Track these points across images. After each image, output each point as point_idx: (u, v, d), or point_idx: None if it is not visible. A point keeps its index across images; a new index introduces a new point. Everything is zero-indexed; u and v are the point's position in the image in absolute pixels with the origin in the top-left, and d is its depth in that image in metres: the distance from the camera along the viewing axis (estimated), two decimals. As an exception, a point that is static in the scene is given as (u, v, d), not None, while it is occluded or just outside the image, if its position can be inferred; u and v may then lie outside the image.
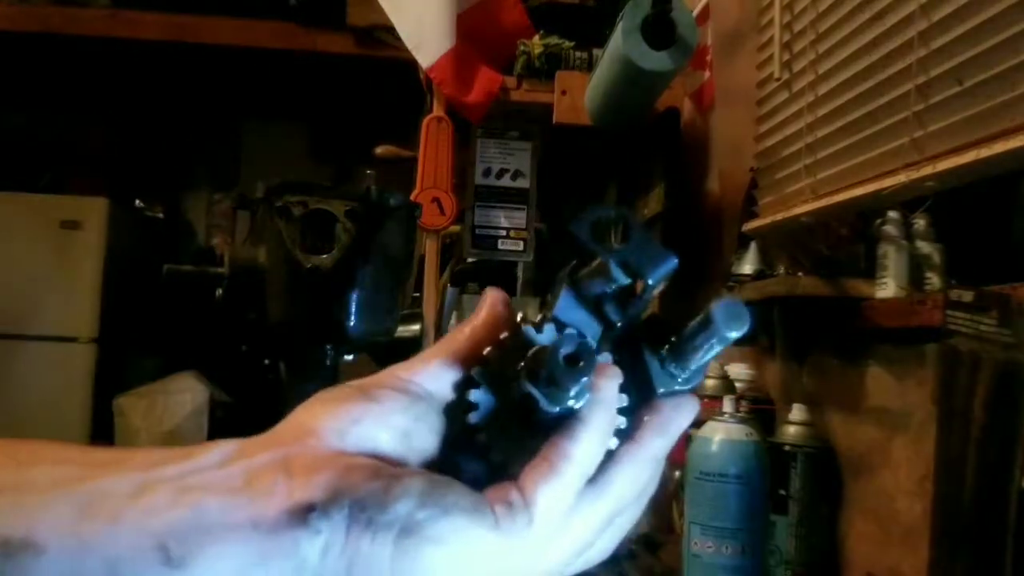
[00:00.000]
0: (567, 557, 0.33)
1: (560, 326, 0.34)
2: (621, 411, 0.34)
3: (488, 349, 0.34)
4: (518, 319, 0.36)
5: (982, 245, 0.98)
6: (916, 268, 0.99)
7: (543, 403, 0.32)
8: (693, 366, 0.35)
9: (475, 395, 0.33)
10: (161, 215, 3.40)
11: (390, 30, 1.91)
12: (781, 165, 1.29)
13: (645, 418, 0.35)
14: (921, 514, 0.92)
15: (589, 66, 1.71)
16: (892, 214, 1.01)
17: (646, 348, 0.35)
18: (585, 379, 0.31)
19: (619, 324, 0.35)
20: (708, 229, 1.68)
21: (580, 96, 1.66)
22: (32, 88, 3.21)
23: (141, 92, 3.25)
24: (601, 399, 0.33)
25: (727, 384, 1.26)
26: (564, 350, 0.32)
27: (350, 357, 1.05)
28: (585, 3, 1.88)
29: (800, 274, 1.16)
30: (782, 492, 1.09)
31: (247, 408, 2.68)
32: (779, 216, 1.25)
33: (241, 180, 3.41)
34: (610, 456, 0.33)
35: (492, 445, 0.33)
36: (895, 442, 1.00)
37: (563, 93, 1.70)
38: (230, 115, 3.46)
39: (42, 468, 0.29)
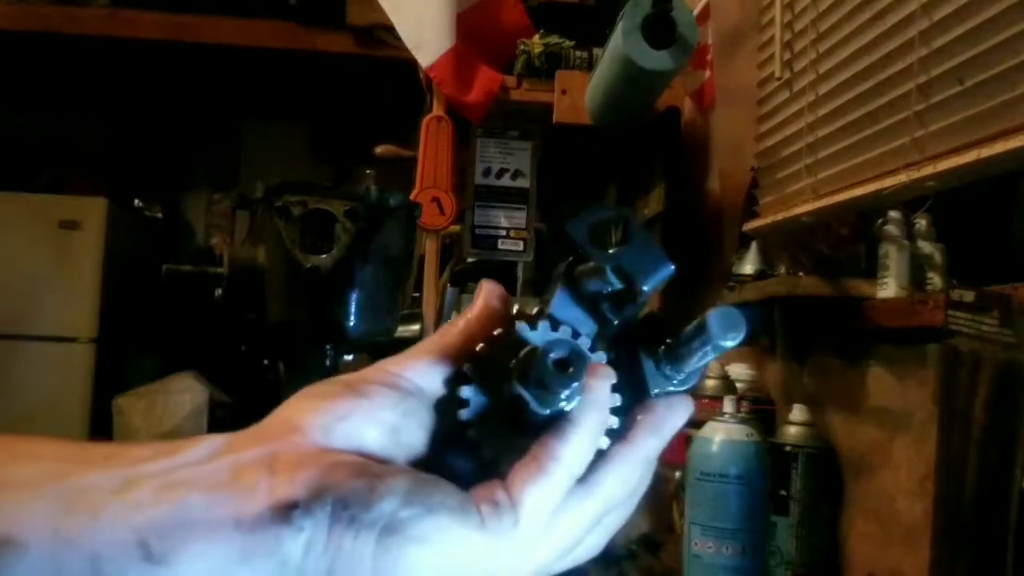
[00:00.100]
0: (554, 556, 0.32)
1: (555, 323, 0.34)
2: (614, 411, 0.34)
3: (481, 345, 0.34)
4: (513, 314, 0.35)
5: (983, 245, 0.97)
6: (917, 268, 0.99)
7: (533, 405, 0.31)
8: (688, 369, 0.35)
9: (466, 392, 0.33)
10: (160, 215, 3.40)
11: (390, 29, 1.90)
12: (782, 165, 1.29)
13: (638, 418, 0.34)
14: (922, 514, 0.92)
15: (589, 65, 1.70)
16: (893, 214, 1.01)
17: (642, 349, 0.35)
18: (576, 384, 0.31)
19: (615, 323, 0.35)
20: (709, 229, 1.67)
21: (580, 96, 1.65)
22: (31, 88, 3.21)
23: (141, 92, 3.25)
24: (592, 400, 0.32)
25: (728, 384, 1.26)
26: (554, 355, 0.31)
27: (350, 357, 1.05)
28: (585, 2, 1.88)
29: (801, 274, 1.16)
30: (783, 492, 1.09)
31: (247, 408, 2.68)
32: (780, 216, 1.25)
33: (241, 180, 3.40)
34: (601, 456, 0.33)
35: (482, 442, 0.32)
36: (896, 442, 1.00)
37: (563, 93, 1.70)
38: (230, 115, 3.46)
39: (24, 464, 0.29)
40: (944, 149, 0.88)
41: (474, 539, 0.29)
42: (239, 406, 2.72)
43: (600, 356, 0.34)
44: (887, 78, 1.00)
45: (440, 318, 1.77)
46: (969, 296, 0.80)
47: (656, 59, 1.27)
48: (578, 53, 1.74)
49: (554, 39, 1.75)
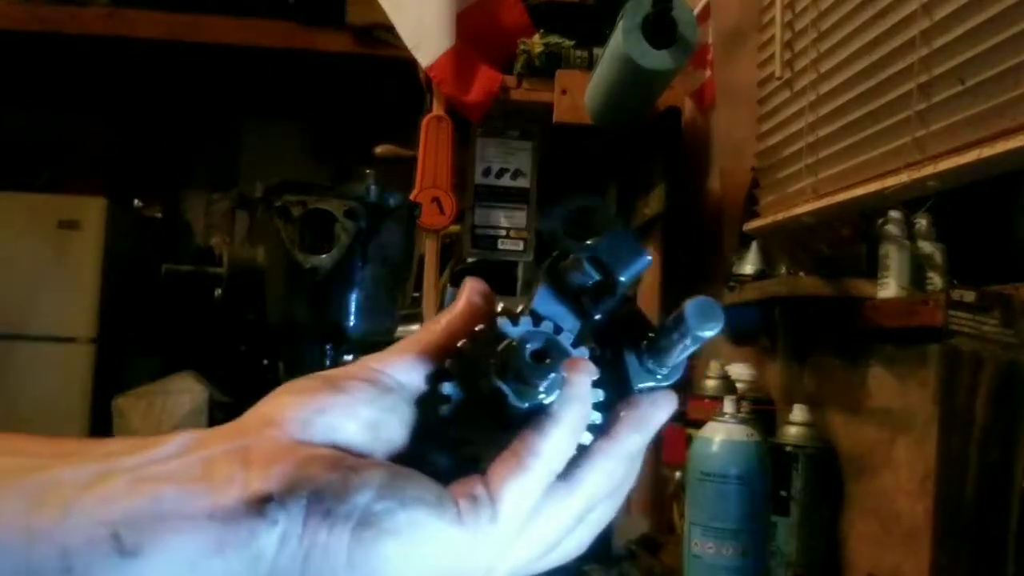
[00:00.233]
0: (535, 553, 0.32)
1: (537, 319, 0.34)
2: (597, 406, 0.34)
3: (463, 342, 0.34)
4: (497, 311, 0.35)
5: (984, 245, 0.97)
6: (918, 268, 0.98)
7: (512, 399, 0.31)
8: (671, 363, 0.35)
9: (447, 388, 0.33)
10: (160, 215, 3.39)
11: (390, 29, 1.90)
12: (782, 164, 1.29)
13: (622, 414, 0.34)
14: (923, 515, 0.92)
15: (589, 65, 1.70)
16: (894, 214, 1.01)
17: (624, 344, 0.35)
18: (553, 375, 0.31)
19: (597, 318, 0.35)
20: (709, 229, 1.67)
21: (580, 95, 1.65)
22: (31, 88, 3.21)
23: (140, 92, 3.25)
24: (573, 395, 0.32)
25: (728, 384, 1.26)
26: (531, 346, 0.31)
27: (349, 357, 1.05)
28: (585, 2, 1.87)
29: (801, 274, 1.16)
30: (783, 493, 1.09)
31: (247, 408, 2.67)
32: (780, 216, 1.24)
33: (240, 180, 3.40)
34: (584, 451, 0.33)
35: (463, 439, 0.32)
36: (897, 443, 1.00)
37: (563, 92, 1.69)
38: (229, 115, 3.46)
39: None
40: (945, 149, 0.88)
41: (450, 533, 0.29)
42: (239, 406, 2.70)
43: (582, 351, 0.34)
44: (888, 77, 1.00)
45: (440, 318, 1.76)
46: (970, 296, 0.80)
47: (656, 59, 1.27)
48: (578, 53, 1.74)
49: (554, 39, 1.75)
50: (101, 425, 2.67)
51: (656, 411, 0.35)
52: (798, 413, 1.12)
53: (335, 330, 1.00)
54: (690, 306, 0.33)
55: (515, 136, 1.84)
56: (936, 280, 0.97)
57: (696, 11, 1.39)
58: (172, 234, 3.44)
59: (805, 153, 1.19)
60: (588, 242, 0.34)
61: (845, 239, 1.13)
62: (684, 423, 1.33)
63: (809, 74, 1.20)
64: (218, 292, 1.05)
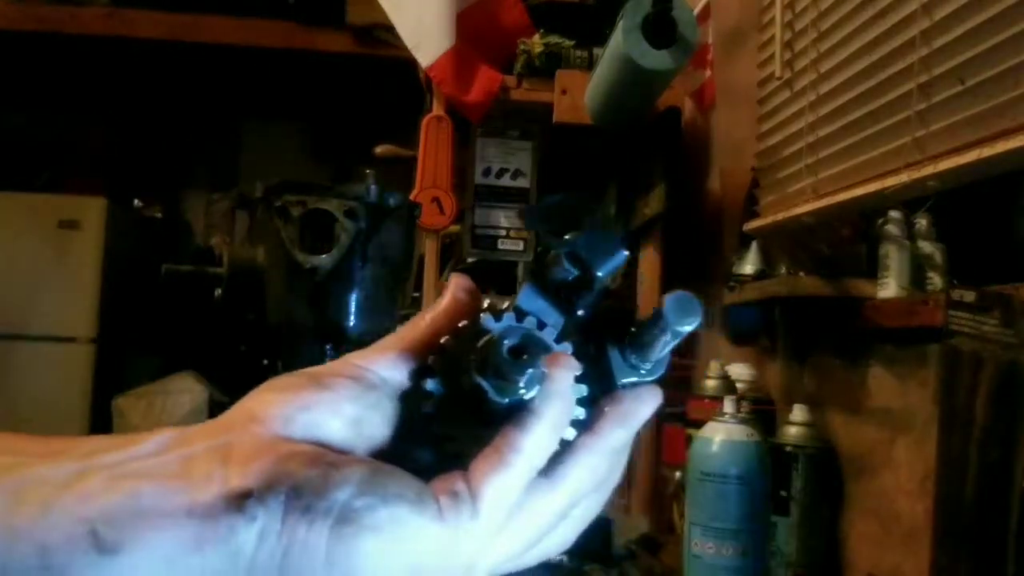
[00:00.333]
0: (516, 549, 0.32)
1: (520, 315, 0.34)
2: (580, 402, 0.33)
3: (446, 338, 0.34)
4: (484, 307, 0.35)
5: (984, 245, 0.97)
6: (918, 268, 0.98)
7: (492, 394, 0.31)
8: (653, 358, 0.35)
9: (430, 384, 0.33)
10: (160, 215, 3.39)
11: (390, 29, 1.90)
12: (782, 164, 1.29)
13: (606, 409, 0.34)
14: (923, 515, 0.92)
15: (589, 65, 1.70)
16: (894, 214, 1.01)
17: (608, 340, 0.35)
18: (531, 370, 0.31)
19: (580, 313, 0.35)
20: (709, 229, 1.67)
21: (580, 95, 1.65)
22: (31, 87, 3.20)
23: (140, 91, 3.25)
24: (555, 390, 0.32)
25: (728, 384, 1.26)
26: (508, 342, 0.31)
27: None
28: (585, 2, 1.87)
29: (801, 274, 1.16)
30: (783, 493, 1.09)
31: (246, 408, 2.67)
32: (780, 216, 1.24)
33: (240, 180, 3.40)
34: (567, 447, 0.33)
35: (447, 435, 0.32)
36: (897, 443, 1.00)
37: (563, 92, 1.69)
38: (229, 115, 3.46)
39: None
40: (945, 149, 0.88)
41: (431, 529, 0.29)
42: (239, 406, 2.70)
43: (565, 347, 0.34)
44: (888, 77, 1.00)
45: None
46: (970, 296, 0.80)
47: (656, 59, 1.27)
48: (578, 53, 1.74)
49: (554, 39, 1.75)
50: (101, 425, 2.67)
51: (640, 406, 0.35)
52: (798, 413, 1.12)
53: (335, 330, 1.00)
54: (668, 301, 0.33)
55: (515, 136, 1.84)
56: (936, 280, 0.97)
57: (696, 11, 1.39)
58: (172, 234, 3.44)
59: (805, 153, 1.19)
60: (567, 237, 0.34)
61: (845, 239, 1.13)
62: (684, 423, 1.33)
63: (809, 74, 1.20)
64: (218, 292, 1.05)
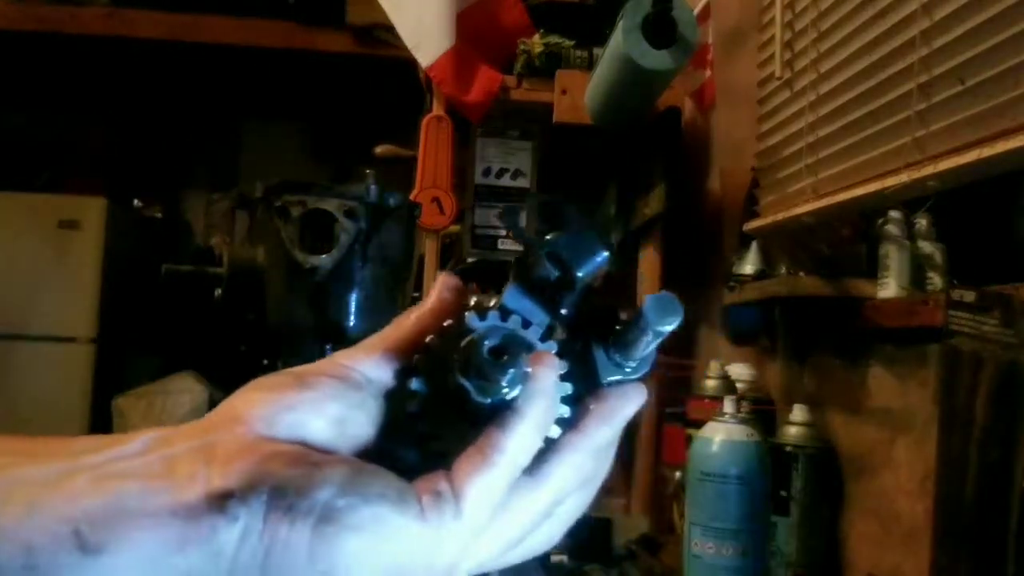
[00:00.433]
0: (501, 548, 0.32)
1: (505, 314, 0.34)
2: (565, 400, 0.34)
3: (430, 337, 0.34)
4: (471, 305, 0.35)
5: (984, 245, 0.97)
6: (918, 268, 0.98)
7: (474, 395, 0.31)
8: (637, 356, 0.35)
9: (415, 384, 0.33)
10: (160, 215, 3.39)
11: (390, 29, 1.90)
12: (782, 164, 1.29)
13: (590, 407, 0.34)
14: (923, 515, 0.92)
15: (589, 65, 1.70)
16: (894, 214, 1.01)
17: (592, 338, 0.35)
18: (512, 370, 0.31)
19: (564, 313, 0.35)
20: (709, 229, 1.67)
21: (580, 95, 1.65)
22: (31, 87, 3.20)
23: (140, 91, 3.25)
24: (538, 389, 0.32)
25: (728, 384, 1.26)
26: (489, 342, 0.31)
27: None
28: (585, 2, 1.87)
29: (801, 274, 1.16)
30: (783, 493, 1.09)
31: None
32: (780, 216, 1.24)
33: (240, 180, 3.40)
34: (552, 445, 0.33)
35: (431, 435, 0.32)
36: (897, 443, 1.00)
37: (563, 92, 1.69)
38: (229, 115, 3.46)
39: None
40: (945, 149, 0.88)
41: (413, 529, 0.29)
42: (239, 406, 2.70)
43: (550, 345, 0.34)
44: (888, 77, 1.00)
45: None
46: (970, 296, 0.80)
47: (656, 59, 1.27)
48: (578, 53, 1.74)
49: (554, 39, 1.75)
50: (101, 425, 2.67)
51: (624, 404, 0.35)
52: (798, 413, 1.12)
53: (335, 330, 1.00)
54: (648, 302, 0.33)
55: (515, 136, 1.84)
56: (936, 280, 0.97)
57: (696, 11, 1.39)
58: (172, 234, 3.43)
59: (805, 153, 1.19)
60: (548, 238, 0.34)
61: (845, 239, 1.13)
62: (684, 423, 1.33)
63: (809, 74, 1.20)
64: (218, 292, 1.05)
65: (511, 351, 0.31)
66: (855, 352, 1.10)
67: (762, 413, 1.21)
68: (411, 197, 1.69)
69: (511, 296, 0.35)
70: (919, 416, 0.95)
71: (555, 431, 0.33)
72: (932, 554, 0.84)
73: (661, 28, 1.26)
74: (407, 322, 0.35)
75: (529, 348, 0.33)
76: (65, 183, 2.98)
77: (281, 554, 0.28)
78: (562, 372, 0.33)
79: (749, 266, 1.31)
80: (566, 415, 0.34)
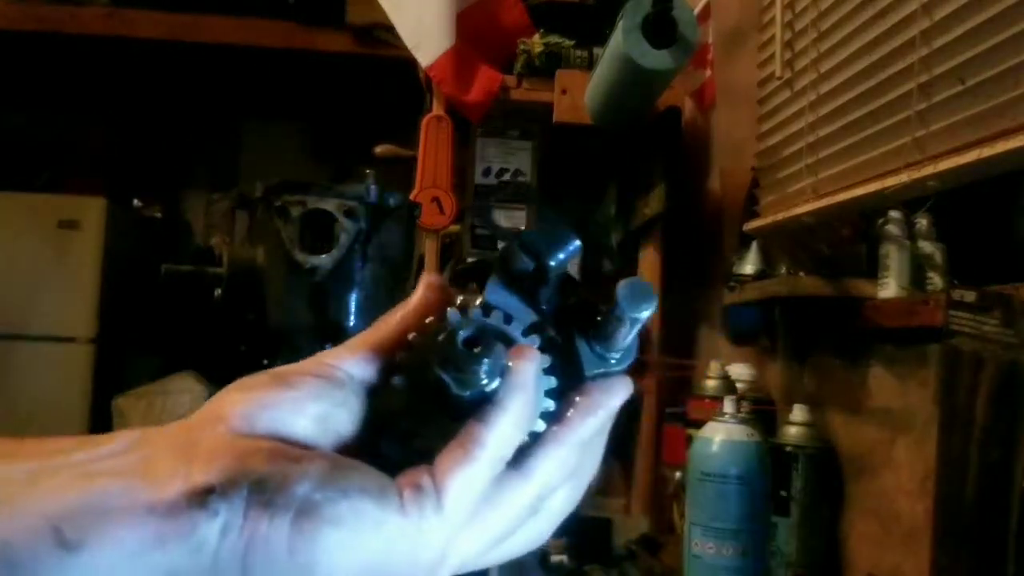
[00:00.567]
0: (487, 543, 0.32)
1: (487, 310, 0.34)
2: (549, 394, 0.34)
3: (413, 335, 0.34)
4: (457, 303, 0.35)
5: (984, 245, 0.97)
6: (918, 268, 0.98)
7: (453, 388, 0.32)
8: (618, 347, 0.35)
9: (398, 380, 0.33)
10: (159, 215, 3.39)
11: (390, 29, 1.90)
12: (782, 164, 1.29)
13: (575, 400, 0.34)
14: (923, 515, 0.92)
15: (589, 65, 1.70)
16: (894, 214, 1.01)
17: (575, 331, 0.35)
18: (487, 360, 0.31)
19: (544, 307, 0.35)
20: (709, 229, 1.67)
21: (580, 95, 1.65)
22: (31, 87, 3.20)
23: (140, 92, 3.24)
24: (518, 382, 0.32)
25: (728, 384, 1.26)
26: (463, 333, 0.32)
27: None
28: (585, 2, 1.87)
29: (801, 274, 1.16)
30: (783, 493, 1.09)
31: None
32: (780, 216, 1.24)
33: (240, 180, 3.40)
34: (536, 439, 0.33)
35: (414, 431, 0.32)
36: (897, 443, 1.00)
37: (563, 92, 1.69)
38: (229, 115, 3.46)
39: None
40: (945, 149, 0.88)
41: (393, 523, 0.29)
42: (238, 406, 2.70)
43: (532, 340, 0.34)
44: (888, 77, 1.00)
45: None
46: (970, 296, 0.80)
47: (656, 58, 1.27)
48: (578, 53, 1.74)
49: (554, 38, 1.75)
50: (101, 425, 2.67)
51: (608, 396, 0.35)
52: (798, 413, 1.12)
53: (335, 330, 1.00)
54: (621, 289, 0.33)
55: (515, 136, 1.84)
56: (936, 280, 0.97)
57: (696, 11, 1.39)
58: (172, 234, 3.43)
59: (805, 153, 1.19)
60: (521, 228, 0.34)
61: (845, 239, 1.13)
62: (684, 423, 1.33)
63: (809, 74, 1.20)
64: (218, 292, 1.05)
65: (485, 341, 0.32)
66: (855, 352, 1.10)
67: (762, 413, 1.21)
68: (411, 197, 1.69)
69: (492, 292, 0.35)
70: (919, 416, 0.95)
71: (540, 425, 0.33)
72: (932, 554, 0.84)
73: (661, 28, 1.26)
74: (391, 321, 0.35)
75: (505, 338, 0.33)
76: (65, 183, 2.98)
77: (261, 549, 0.28)
78: (545, 366, 0.33)
79: (749, 266, 1.31)
80: (551, 409, 0.34)
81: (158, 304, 2.83)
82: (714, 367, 1.28)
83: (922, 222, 1.00)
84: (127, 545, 0.27)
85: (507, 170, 1.83)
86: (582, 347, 0.35)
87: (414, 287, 0.37)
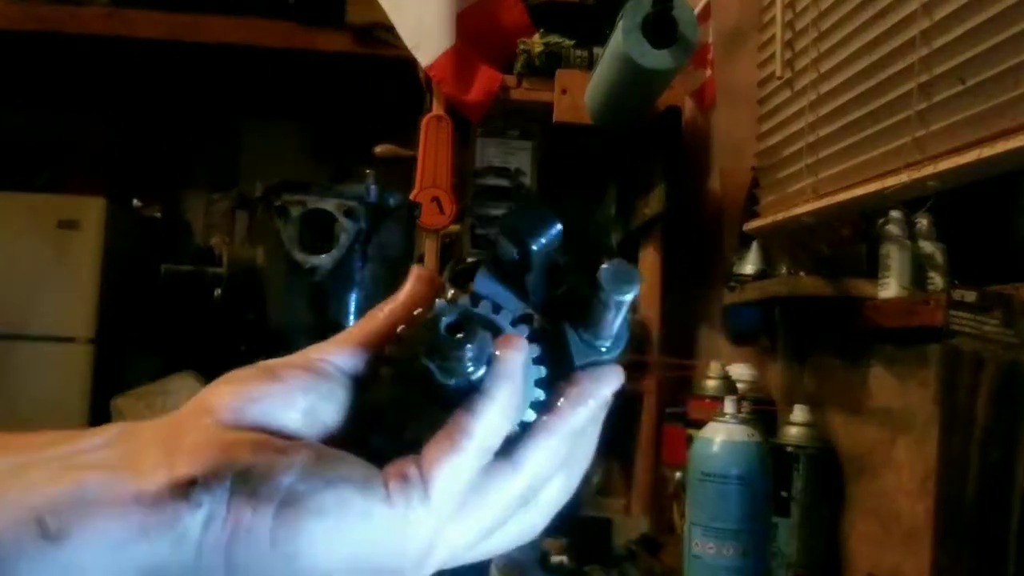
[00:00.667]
0: (477, 534, 0.32)
1: (476, 300, 0.34)
2: (539, 383, 0.33)
3: (402, 327, 0.34)
4: (448, 296, 0.35)
5: (985, 245, 0.97)
6: (918, 268, 0.98)
7: (438, 376, 0.31)
8: (607, 334, 0.35)
9: (386, 372, 0.33)
10: (159, 215, 3.39)
11: (390, 29, 1.90)
12: (782, 164, 1.29)
13: (566, 390, 0.34)
14: (923, 515, 0.92)
15: (589, 65, 1.70)
16: (894, 214, 1.01)
17: (564, 320, 0.35)
18: (470, 346, 0.31)
19: (532, 296, 0.35)
20: (709, 229, 1.67)
21: (580, 95, 1.65)
22: (30, 87, 3.20)
23: (140, 92, 3.24)
24: (503, 371, 0.32)
25: (729, 385, 1.26)
26: (446, 319, 0.31)
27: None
28: (585, 2, 1.87)
29: (802, 274, 1.16)
30: (784, 493, 1.09)
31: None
32: (780, 216, 1.24)
33: (240, 180, 3.40)
34: (526, 429, 0.33)
35: (402, 422, 0.32)
36: (897, 443, 1.00)
37: (563, 92, 1.69)
38: (229, 114, 3.46)
39: None
40: (945, 149, 0.88)
41: (378, 513, 0.29)
42: (238, 406, 2.70)
43: (521, 329, 0.34)
44: (888, 77, 1.00)
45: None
46: (971, 296, 0.80)
47: (657, 58, 1.27)
48: (578, 52, 1.74)
49: (554, 38, 1.75)
50: (100, 425, 2.66)
51: (598, 385, 0.34)
52: (798, 413, 1.12)
53: (335, 330, 1.00)
54: (603, 271, 0.33)
55: (515, 136, 1.84)
56: (937, 280, 0.97)
57: (696, 11, 1.39)
58: (172, 234, 3.43)
59: (805, 153, 1.19)
60: (502, 213, 0.34)
61: (845, 239, 1.13)
62: (685, 423, 1.33)
63: (809, 74, 1.20)
64: (218, 292, 1.05)
65: (468, 327, 0.31)
66: (855, 352, 1.10)
67: (763, 413, 1.20)
68: (411, 197, 1.69)
69: (482, 283, 0.35)
70: (920, 416, 0.95)
71: (530, 415, 0.33)
72: (933, 554, 0.84)
73: (661, 28, 1.26)
74: (379, 315, 0.36)
75: (493, 327, 0.33)
76: (65, 183, 2.98)
77: (244, 540, 0.28)
78: (535, 356, 0.33)
79: (749, 266, 1.31)
80: (541, 399, 0.33)
81: (158, 304, 2.83)
82: (714, 367, 1.28)
83: (922, 222, 1.00)
84: (111, 536, 0.27)
85: (507, 170, 1.83)
86: (571, 336, 0.35)
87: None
